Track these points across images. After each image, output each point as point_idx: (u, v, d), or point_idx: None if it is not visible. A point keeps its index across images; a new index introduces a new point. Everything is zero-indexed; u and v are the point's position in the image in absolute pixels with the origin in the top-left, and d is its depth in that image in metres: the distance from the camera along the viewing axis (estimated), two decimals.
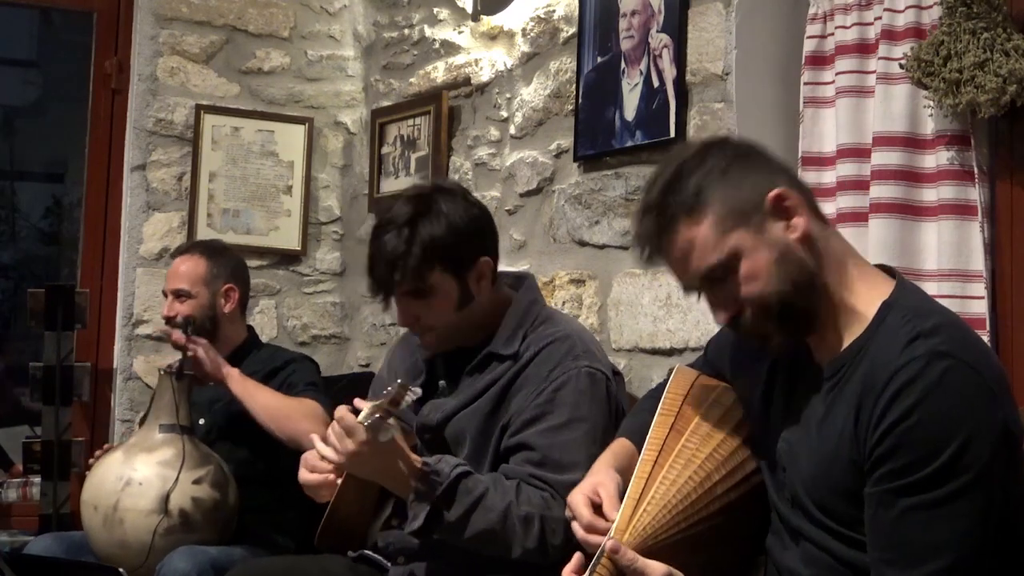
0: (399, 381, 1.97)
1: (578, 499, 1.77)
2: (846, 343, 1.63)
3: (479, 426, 2.20)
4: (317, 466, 2.16)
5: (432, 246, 2.19)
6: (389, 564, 2.22)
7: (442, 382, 2.33)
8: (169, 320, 3.09)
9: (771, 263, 1.60)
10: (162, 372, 2.89)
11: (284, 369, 3.08)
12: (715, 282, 1.62)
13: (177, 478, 2.71)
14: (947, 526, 1.46)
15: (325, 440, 2.07)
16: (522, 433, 2.14)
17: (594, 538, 1.70)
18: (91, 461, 2.98)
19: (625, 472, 1.79)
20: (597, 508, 1.75)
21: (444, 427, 2.24)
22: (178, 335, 2.96)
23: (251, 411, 2.88)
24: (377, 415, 1.98)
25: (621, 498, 1.72)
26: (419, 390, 2.02)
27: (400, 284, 2.22)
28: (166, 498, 2.69)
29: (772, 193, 1.61)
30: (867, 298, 1.62)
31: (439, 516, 2.04)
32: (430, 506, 2.02)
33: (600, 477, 1.81)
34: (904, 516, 1.48)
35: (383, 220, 2.25)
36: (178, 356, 2.94)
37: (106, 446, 3.05)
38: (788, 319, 1.61)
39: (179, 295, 3.10)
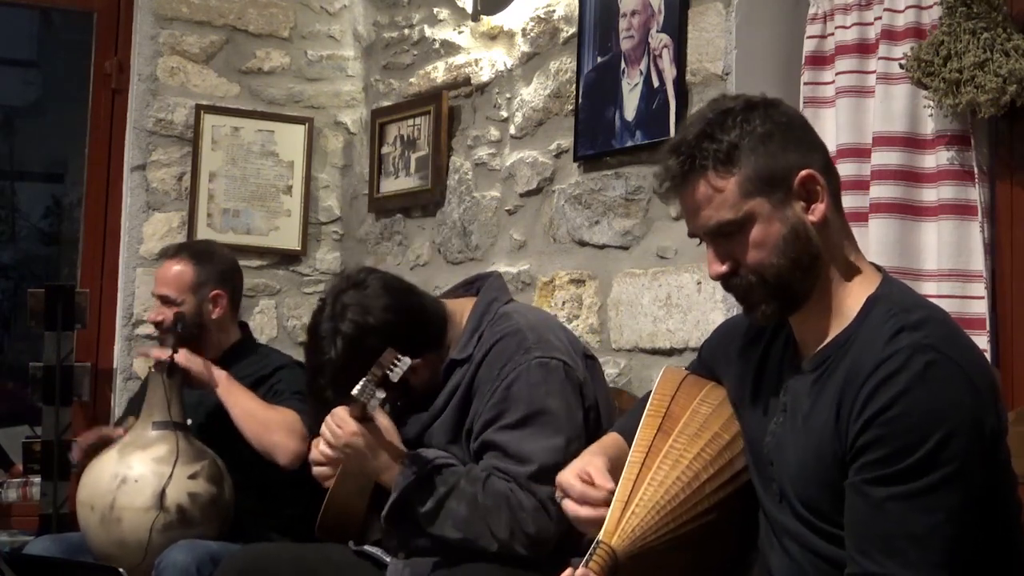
0: (389, 348, 2.00)
1: (567, 475, 1.78)
2: (831, 335, 1.64)
3: (449, 435, 2.24)
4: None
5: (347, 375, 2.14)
6: (389, 559, 2.24)
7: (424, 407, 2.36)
8: (158, 325, 3.08)
9: (780, 236, 1.62)
10: (152, 369, 2.89)
11: (271, 377, 3.07)
12: (722, 236, 1.65)
13: (171, 473, 2.71)
14: (925, 518, 1.46)
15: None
16: (483, 434, 2.17)
17: (586, 511, 1.71)
18: (78, 440, 3.01)
19: (614, 459, 1.79)
20: (588, 485, 1.75)
21: (421, 441, 2.27)
22: (159, 351, 2.93)
23: (232, 417, 2.88)
24: (366, 379, 2.02)
25: (614, 478, 1.72)
26: (408, 359, 2.04)
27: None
28: (162, 494, 2.69)
29: (802, 173, 1.63)
30: (857, 292, 1.64)
31: (413, 505, 2.07)
32: (399, 493, 2.07)
33: (588, 457, 1.82)
34: (882, 507, 1.48)
35: (307, 348, 2.27)
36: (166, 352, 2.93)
37: (94, 430, 3.06)
38: (779, 293, 1.64)
39: (166, 301, 3.07)
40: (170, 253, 3.21)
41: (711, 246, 1.67)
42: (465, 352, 2.25)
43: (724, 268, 1.65)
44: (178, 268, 3.10)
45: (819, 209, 1.63)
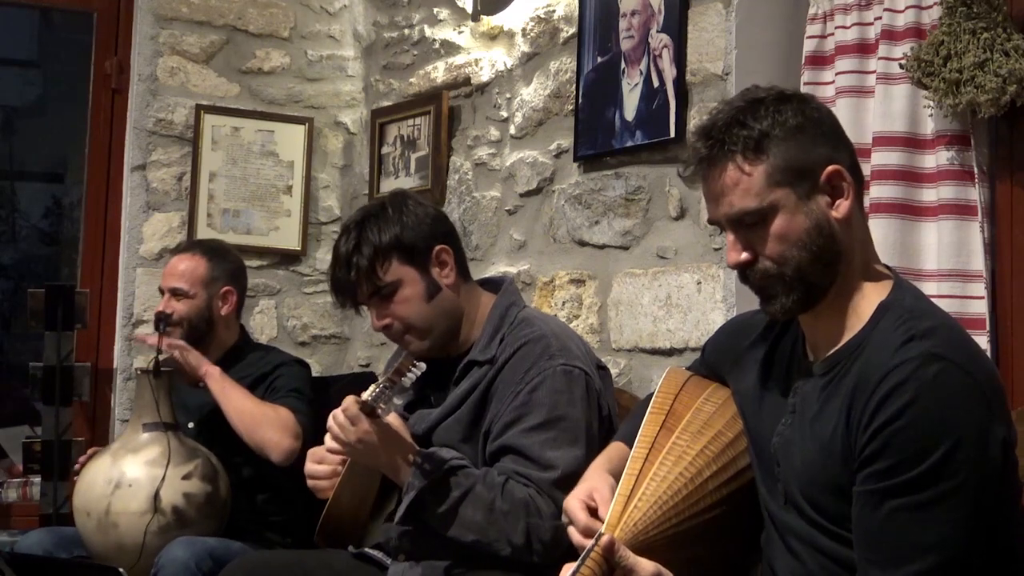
0: (405, 353, 2.00)
1: (574, 503, 1.77)
2: (843, 340, 1.63)
3: (462, 434, 2.23)
4: (325, 457, 2.19)
5: (383, 240, 2.25)
6: (389, 560, 2.23)
7: (432, 404, 2.34)
8: (160, 316, 3.08)
9: (803, 230, 1.61)
10: (139, 372, 2.90)
11: (272, 373, 3.07)
12: (743, 225, 1.63)
13: (164, 475, 2.71)
14: (933, 529, 1.45)
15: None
16: (503, 436, 2.16)
17: (590, 542, 1.70)
18: (81, 459, 2.98)
19: (618, 473, 1.78)
20: (593, 512, 1.75)
21: (429, 437, 2.26)
22: (152, 338, 2.95)
23: (224, 412, 2.88)
24: (381, 385, 2.02)
25: None
26: (424, 365, 2.04)
27: (360, 284, 2.26)
28: (156, 496, 2.69)
29: (831, 168, 1.62)
30: (871, 296, 1.64)
31: (428, 506, 2.06)
32: (416, 494, 2.05)
33: (594, 482, 1.81)
34: (890, 517, 1.47)
35: (339, 233, 2.33)
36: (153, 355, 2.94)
37: (91, 450, 3.05)
38: (797, 286, 1.62)
39: (176, 294, 3.09)
40: (182, 248, 3.25)
41: (732, 234, 1.65)
42: (487, 354, 2.24)
43: (743, 257, 1.64)
44: (191, 262, 3.13)
45: (844, 206, 1.62)
